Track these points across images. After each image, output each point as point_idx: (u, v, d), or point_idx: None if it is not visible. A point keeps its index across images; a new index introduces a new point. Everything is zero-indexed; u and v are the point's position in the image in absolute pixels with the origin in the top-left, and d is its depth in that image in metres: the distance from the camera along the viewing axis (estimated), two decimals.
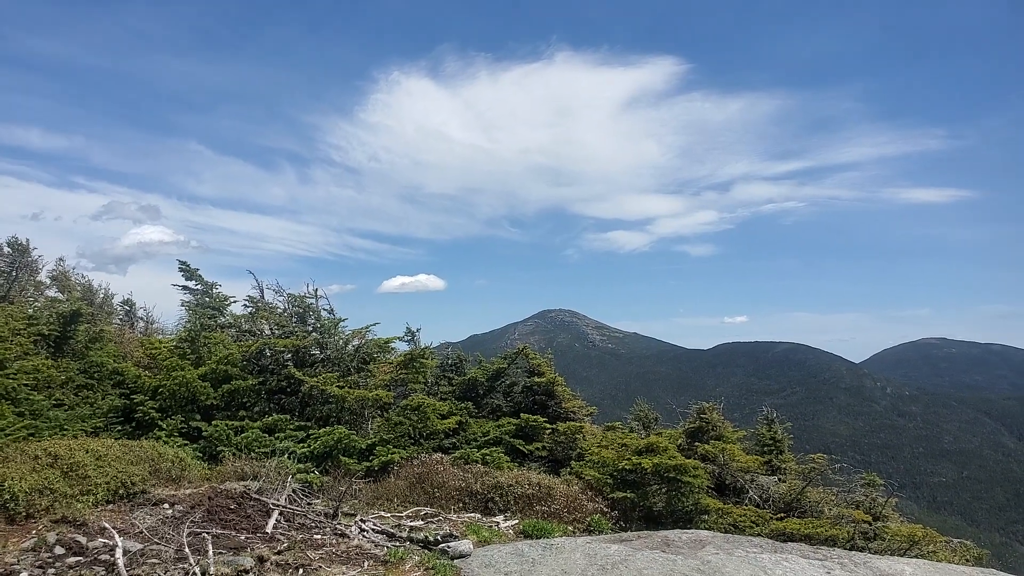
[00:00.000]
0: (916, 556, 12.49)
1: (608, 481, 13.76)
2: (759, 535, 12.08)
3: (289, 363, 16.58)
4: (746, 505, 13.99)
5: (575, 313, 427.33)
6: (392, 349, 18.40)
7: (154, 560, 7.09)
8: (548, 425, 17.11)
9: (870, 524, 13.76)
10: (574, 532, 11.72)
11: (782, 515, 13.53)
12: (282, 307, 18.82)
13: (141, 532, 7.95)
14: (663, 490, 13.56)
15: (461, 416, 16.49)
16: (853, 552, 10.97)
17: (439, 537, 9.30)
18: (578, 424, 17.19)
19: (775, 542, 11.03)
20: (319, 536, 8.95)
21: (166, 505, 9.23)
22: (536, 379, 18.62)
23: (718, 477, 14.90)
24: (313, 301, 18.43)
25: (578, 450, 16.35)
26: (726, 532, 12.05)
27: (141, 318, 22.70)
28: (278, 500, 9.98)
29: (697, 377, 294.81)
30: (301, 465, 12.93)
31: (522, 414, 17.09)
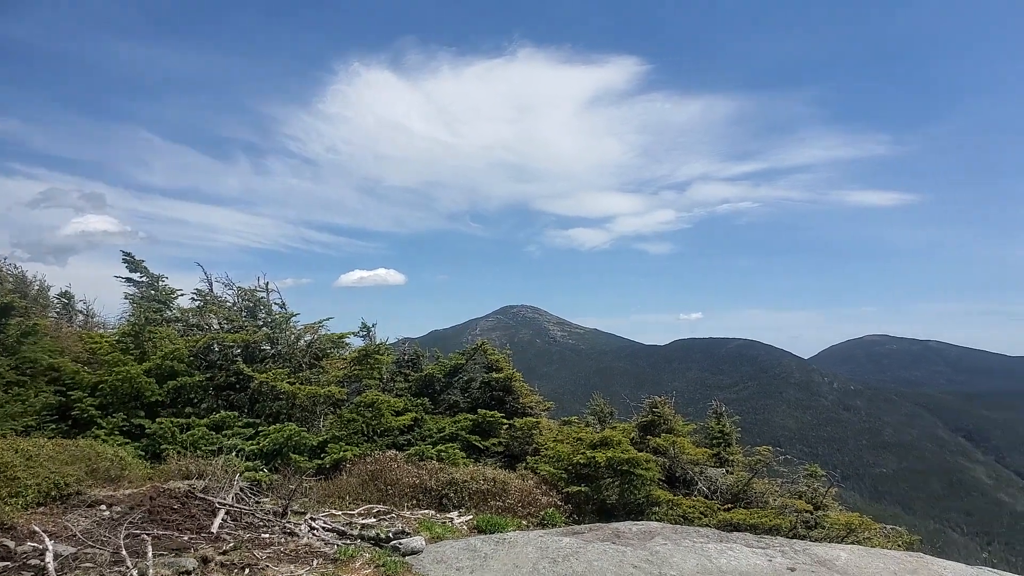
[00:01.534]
0: (853, 543, 12.93)
1: (563, 475, 13.81)
2: (707, 525, 12.31)
3: (238, 359, 16.18)
4: (695, 496, 14.21)
5: (537, 309, 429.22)
6: (346, 345, 18.12)
7: (88, 564, 6.82)
8: (505, 421, 17.08)
9: (811, 513, 14.16)
10: (528, 526, 11.74)
11: (729, 506, 13.80)
12: (232, 301, 18.37)
13: (75, 535, 7.63)
14: (616, 483, 13.67)
15: (417, 412, 16.33)
16: (794, 540, 11.28)
17: (391, 534, 9.20)
18: (535, 419, 17.20)
19: (721, 532, 11.26)
20: (267, 535, 8.77)
21: (103, 506, 8.90)
22: (494, 375, 18.56)
23: (669, 469, 15.10)
24: (264, 295, 18.04)
25: (534, 445, 16.36)
26: (676, 523, 12.25)
27: (80, 311, 21.81)
28: (225, 499, 9.72)
29: (654, 372, 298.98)
30: (250, 463, 12.64)
31: (479, 410, 17.02)
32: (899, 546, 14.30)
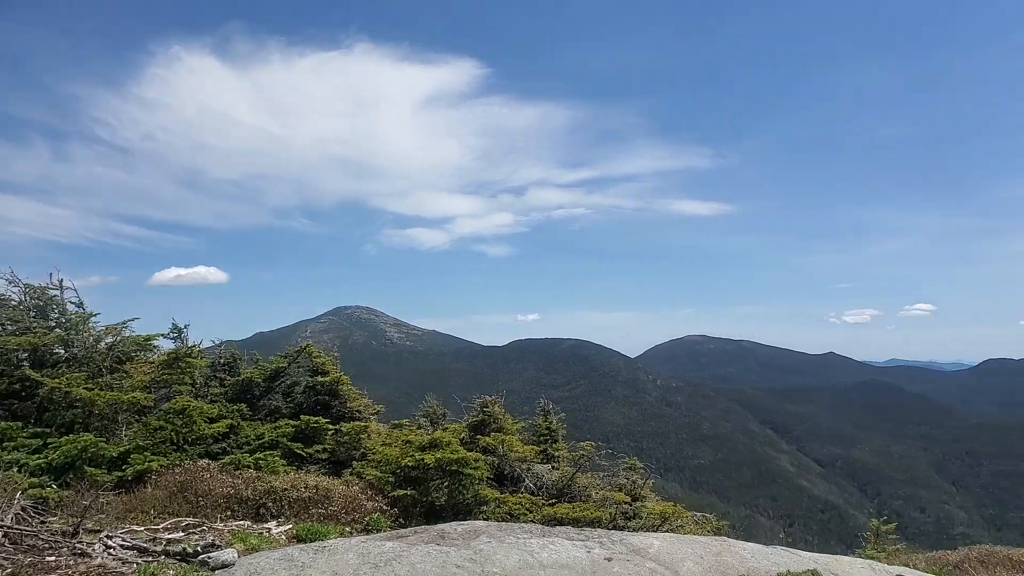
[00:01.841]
0: (667, 530, 13.92)
1: (390, 479, 13.63)
2: (531, 521, 12.68)
3: (25, 363, 14.37)
4: (522, 493, 14.60)
5: (373, 310, 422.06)
6: (155, 347, 16.61)
7: None
8: (331, 426, 16.47)
9: (630, 504, 15.07)
10: (352, 533, 11.48)
11: (554, 501, 14.33)
12: (17, 299, 16.23)
13: None
14: (445, 484, 13.71)
15: (233, 419, 15.32)
16: (612, 531, 11.88)
17: (199, 548, 8.59)
18: (363, 424, 16.80)
19: (545, 527, 11.63)
20: (53, 558, 7.86)
21: None
22: (320, 378, 17.86)
23: (498, 468, 15.39)
24: (57, 293, 16.09)
25: (362, 450, 16.01)
26: (502, 521, 12.50)
27: None
28: (2, 520, 8.60)
29: (492, 373, 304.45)
30: (35, 479, 11.26)
31: (303, 415, 16.26)
32: (708, 532, 15.64)
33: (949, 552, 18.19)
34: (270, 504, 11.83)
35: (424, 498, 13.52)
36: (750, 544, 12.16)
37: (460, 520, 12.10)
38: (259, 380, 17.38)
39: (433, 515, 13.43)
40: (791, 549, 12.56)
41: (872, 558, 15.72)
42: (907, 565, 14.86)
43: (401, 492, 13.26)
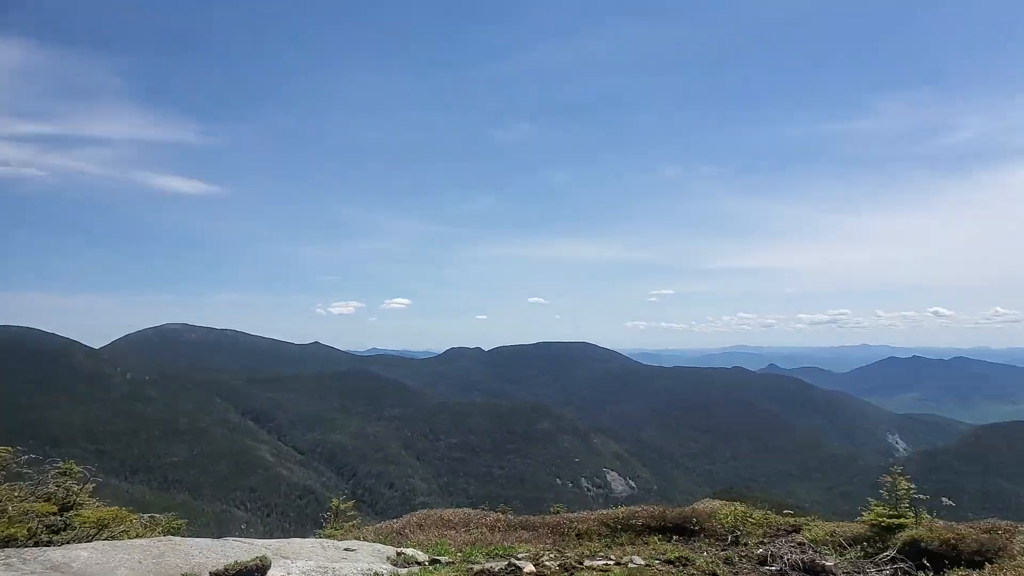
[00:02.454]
0: (107, 538, 12.62)
1: None
2: None
3: None
4: None
5: None
6: None
7: None
8: None
9: (59, 515, 13.14)
10: None
11: None
12: None
13: None
14: None
15: None
16: (26, 549, 10.22)
17: None
18: None
19: None
20: None
21: None
22: None
23: None
24: None
25: None
26: None
27: None
28: None
29: None
30: None
31: None
32: (162, 533, 14.59)
33: (394, 521, 20.92)
34: None
35: None
36: (199, 540, 11.87)
37: None
38: None
39: None
40: (244, 538, 12.67)
41: (331, 536, 17.02)
42: (358, 538, 16.45)
43: None
